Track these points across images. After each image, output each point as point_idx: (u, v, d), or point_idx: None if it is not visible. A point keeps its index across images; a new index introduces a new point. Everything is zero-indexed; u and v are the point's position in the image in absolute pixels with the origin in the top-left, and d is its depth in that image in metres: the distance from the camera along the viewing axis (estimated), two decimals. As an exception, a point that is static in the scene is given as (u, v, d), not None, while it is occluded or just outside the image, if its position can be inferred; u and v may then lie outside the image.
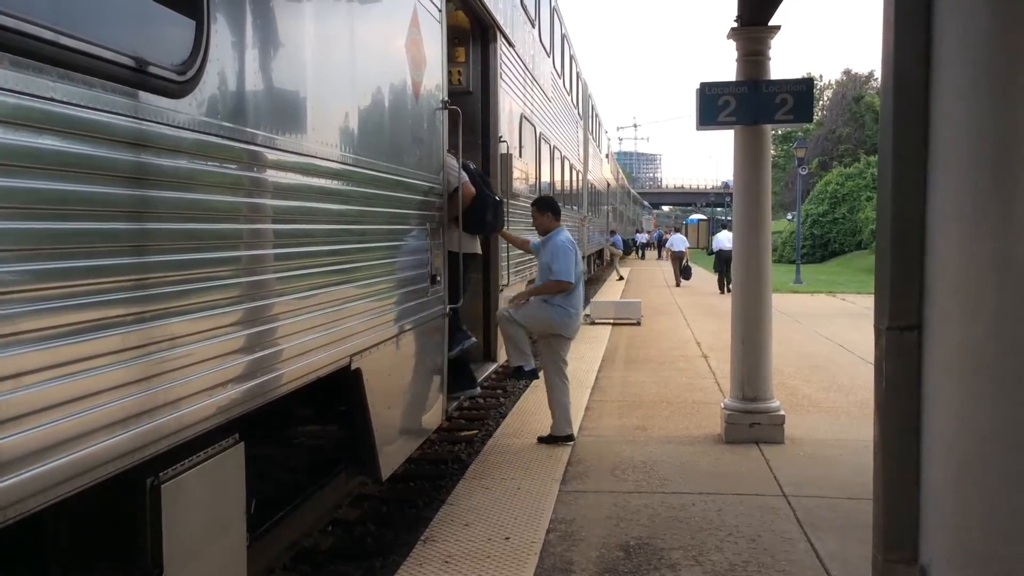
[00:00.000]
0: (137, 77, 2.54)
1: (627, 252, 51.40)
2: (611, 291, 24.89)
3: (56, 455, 2.22)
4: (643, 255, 58.10)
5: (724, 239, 23.03)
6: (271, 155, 3.43)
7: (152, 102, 2.62)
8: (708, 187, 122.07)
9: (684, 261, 28.36)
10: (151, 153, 2.62)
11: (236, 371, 3.15)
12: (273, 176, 3.46)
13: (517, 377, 7.54)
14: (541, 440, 7.17)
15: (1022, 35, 2.59)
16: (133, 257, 2.55)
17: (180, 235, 2.80)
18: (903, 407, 2.76)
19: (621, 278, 30.71)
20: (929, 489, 2.73)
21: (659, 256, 52.70)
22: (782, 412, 7.26)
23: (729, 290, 21.72)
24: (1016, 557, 2.64)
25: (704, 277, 27.61)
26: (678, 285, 27.58)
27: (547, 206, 7.47)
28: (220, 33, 3.01)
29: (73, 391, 2.28)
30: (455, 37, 7.92)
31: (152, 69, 2.61)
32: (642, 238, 61.21)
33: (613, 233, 35.97)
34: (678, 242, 28.95)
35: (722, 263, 23.36)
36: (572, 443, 7.13)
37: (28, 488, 2.13)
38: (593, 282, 29.05)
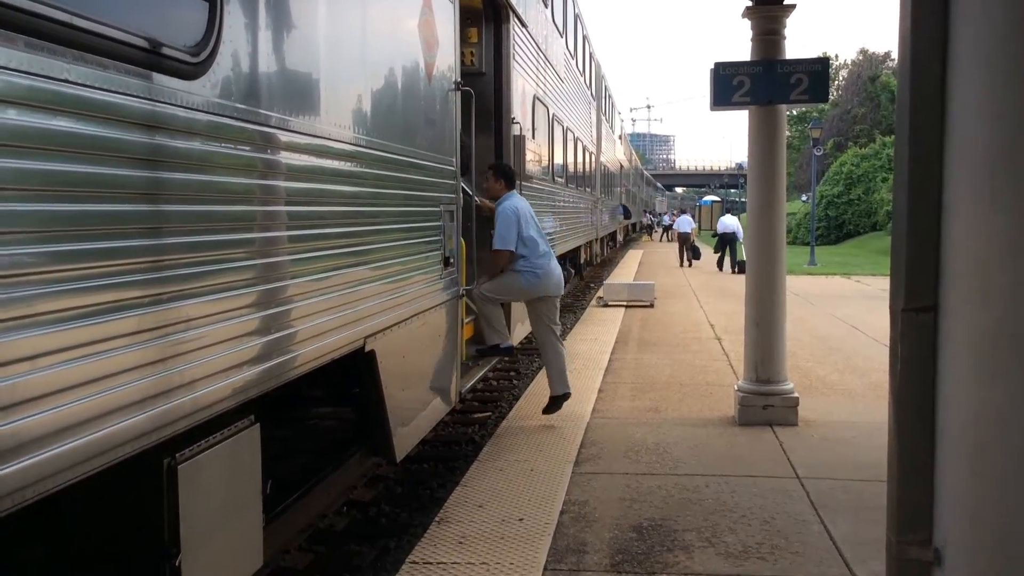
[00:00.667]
0: (150, 58, 2.54)
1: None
2: (623, 273, 24.83)
3: (74, 436, 2.24)
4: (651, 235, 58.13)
5: (727, 222, 25.83)
6: (284, 137, 3.43)
7: (165, 83, 2.62)
8: (722, 168, 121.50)
9: (691, 241, 29.44)
10: (164, 135, 2.62)
11: (251, 353, 3.17)
12: (286, 158, 3.47)
13: (490, 355, 7.45)
14: (546, 411, 7.15)
15: (1042, 14, 2.56)
16: (148, 239, 2.56)
17: (194, 217, 2.81)
18: (918, 389, 2.74)
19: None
20: (944, 471, 2.72)
21: (661, 238, 52.66)
22: (796, 394, 7.24)
23: (734, 270, 23.61)
24: (1031, 540, 2.63)
25: (712, 258, 27.66)
26: (681, 265, 28.17)
27: (501, 173, 7.18)
28: (233, 14, 3.00)
29: (90, 373, 2.30)
30: (468, 18, 7.89)
31: (165, 50, 2.62)
32: (667, 220, 60.56)
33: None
34: (684, 223, 30.24)
35: (724, 244, 25.89)
36: (567, 399, 7.19)
37: (47, 468, 2.15)
38: (607, 264, 29.02)
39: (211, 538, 3.09)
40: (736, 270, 23.83)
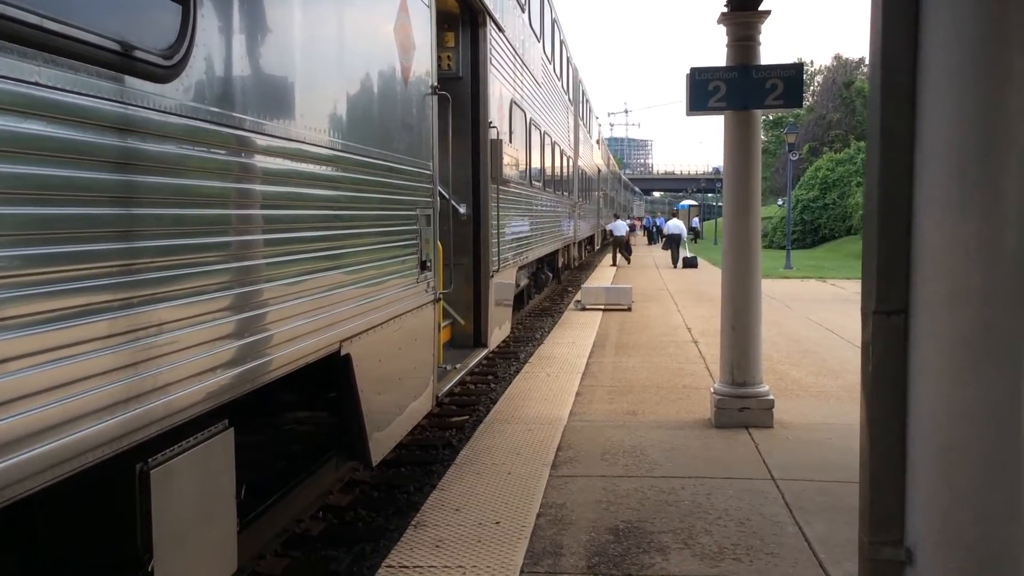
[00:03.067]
0: (123, 62, 2.53)
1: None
2: (601, 277, 24.91)
3: (44, 440, 2.21)
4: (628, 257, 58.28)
5: (672, 225, 32.58)
6: (259, 140, 3.42)
7: (138, 87, 2.60)
8: (699, 173, 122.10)
9: (626, 241, 33.35)
10: (137, 138, 2.60)
11: (225, 357, 3.15)
12: (261, 162, 3.45)
13: None
14: None
15: (1009, 21, 2.60)
16: (120, 243, 2.54)
17: (168, 220, 2.79)
18: (889, 391, 2.77)
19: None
20: (915, 472, 2.75)
21: (650, 242, 52.95)
22: (771, 396, 7.29)
23: (676, 265, 28.92)
24: (1001, 538, 2.67)
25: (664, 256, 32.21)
26: (613, 264, 31.00)
27: None
28: (207, 17, 2.99)
29: (60, 377, 2.28)
30: (445, 22, 7.89)
31: (138, 53, 2.60)
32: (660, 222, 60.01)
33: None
34: (619, 228, 33.38)
35: (672, 242, 31.76)
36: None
37: (16, 473, 2.12)
38: (584, 268, 29.10)
39: (184, 543, 3.06)
40: (681, 265, 29.38)
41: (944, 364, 2.66)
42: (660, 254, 37.00)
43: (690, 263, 29.70)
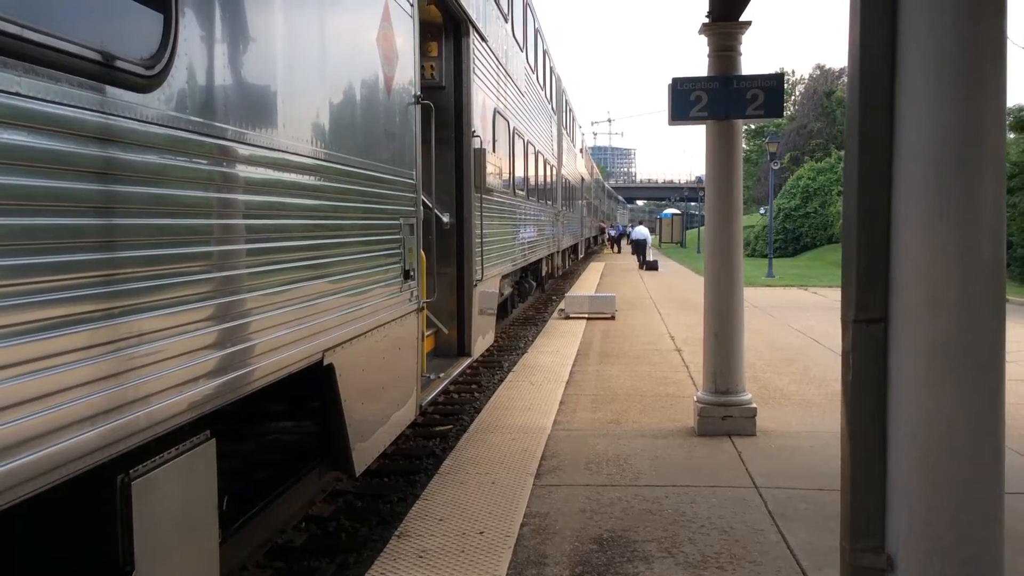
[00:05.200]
0: (104, 72, 2.52)
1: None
2: (585, 285, 24.95)
3: (24, 452, 2.20)
4: (619, 249, 58.74)
5: (638, 232, 38.63)
6: (242, 150, 3.41)
7: (119, 97, 2.60)
8: (682, 181, 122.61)
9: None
10: (118, 148, 2.60)
11: (207, 367, 3.14)
12: (244, 171, 3.45)
13: None
14: None
15: (985, 31, 2.64)
16: (101, 253, 2.53)
17: (149, 230, 2.78)
18: (870, 398, 2.80)
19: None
20: (895, 479, 2.78)
21: (618, 250, 54.39)
22: (754, 405, 7.32)
23: (642, 267, 33.43)
24: (980, 541, 2.69)
25: (664, 263, 36.99)
26: (641, 268, 34.60)
27: None
28: (189, 27, 2.99)
29: (41, 388, 2.27)
30: (427, 32, 7.91)
31: (119, 63, 2.60)
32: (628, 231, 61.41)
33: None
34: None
35: (638, 247, 37.06)
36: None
37: (-5, 486, 2.11)
38: (568, 276, 29.14)
39: (166, 555, 3.04)
40: (645, 268, 34.01)
41: (922, 371, 2.69)
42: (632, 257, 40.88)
43: (651, 266, 34.27)
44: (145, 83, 2.74)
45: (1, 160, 2.14)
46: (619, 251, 37.57)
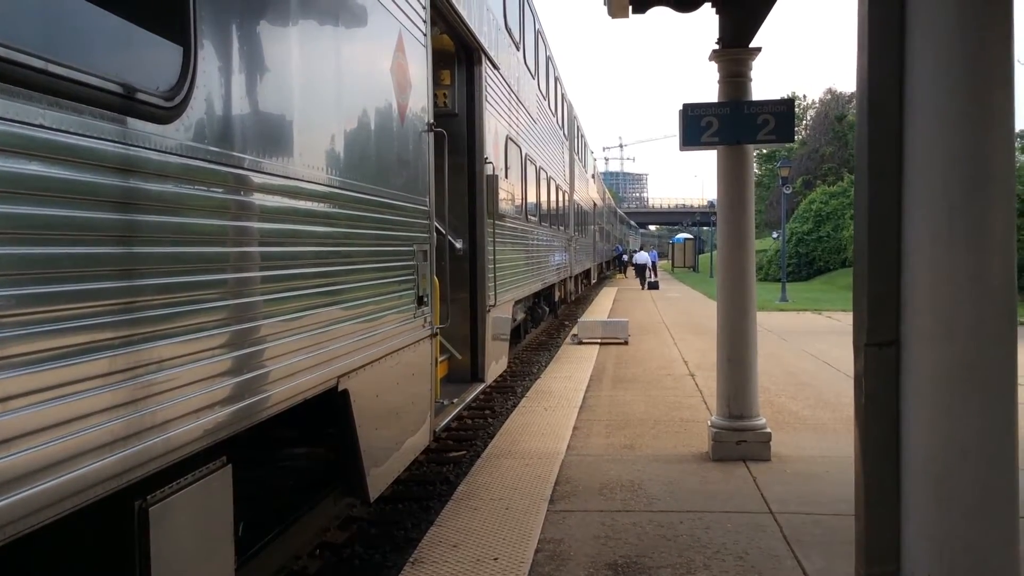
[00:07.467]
0: (125, 104, 2.58)
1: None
2: (598, 311, 24.94)
3: (42, 479, 2.23)
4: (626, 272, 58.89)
5: (640, 256, 44.09)
6: (258, 179, 3.46)
7: (140, 128, 2.65)
8: (695, 206, 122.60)
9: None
10: (139, 178, 2.65)
11: (223, 393, 3.17)
12: (260, 199, 3.49)
13: None
14: None
15: (992, 56, 2.66)
16: (120, 281, 2.57)
17: (167, 259, 2.82)
18: (882, 423, 2.80)
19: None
20: (909, 503, 2.77)
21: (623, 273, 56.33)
22: (768, 429, 7.29)
23: (643, 287, 38.56)
24: (995, 568, 2.68)
25: (676, 288, 39.07)
26: (643, 288, 38.25)
27: None
28: (207, 59, 3.05)
29: (60, 415, 2.30)
30: (440, 60, 7.99)
31: (140, 95, 2.65)
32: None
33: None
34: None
35: (639, 270, 41.96)
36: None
37: (16, 511, 2.14)
38: (581, 302, 29.13)
39: (182, 581, 3.06)
40: (647, 288, 37.74)
41: (936, 395, 2.69)
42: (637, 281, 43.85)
43: (653, 286, 37.99)
44: (164, 114, 2.79)
45: (27, 191, 2.19)
46: (626, 275, 42.08)
